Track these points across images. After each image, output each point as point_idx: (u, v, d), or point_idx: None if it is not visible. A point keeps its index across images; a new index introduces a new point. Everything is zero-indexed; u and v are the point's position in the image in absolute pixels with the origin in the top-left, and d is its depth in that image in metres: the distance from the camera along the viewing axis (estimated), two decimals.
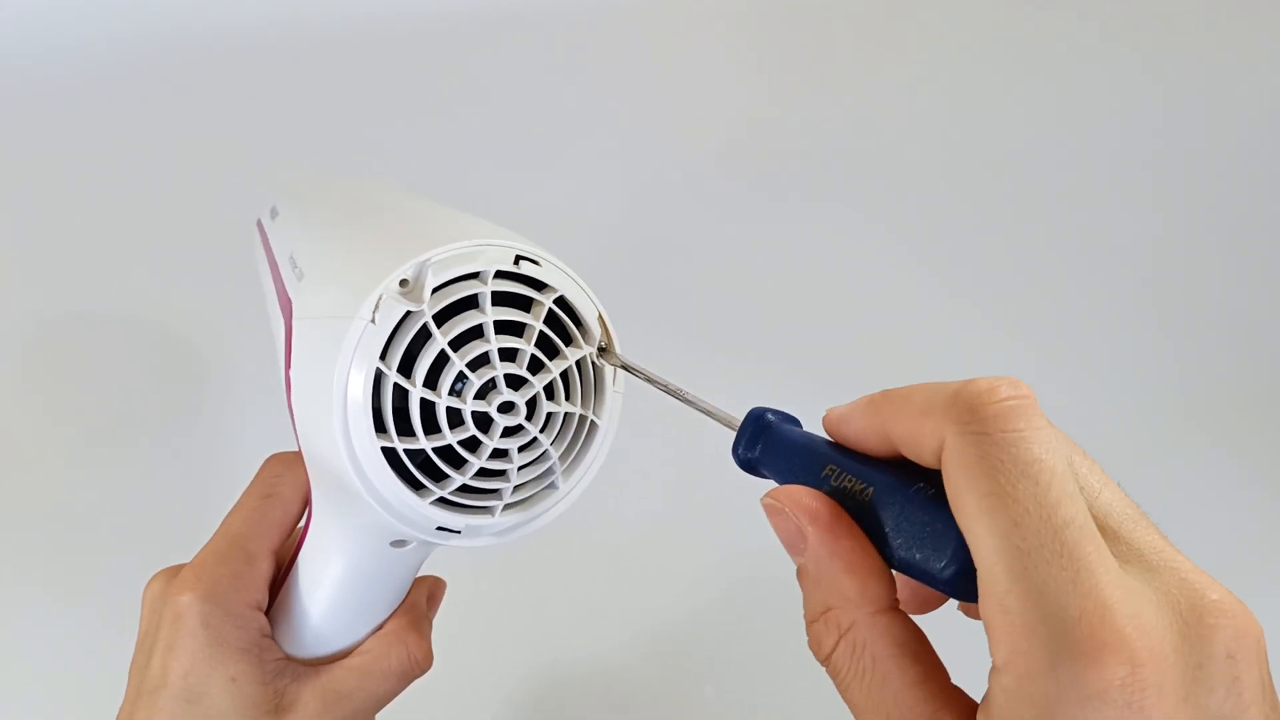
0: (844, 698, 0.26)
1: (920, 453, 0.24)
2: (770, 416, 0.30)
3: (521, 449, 0.33)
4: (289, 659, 0.38)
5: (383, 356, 0.31)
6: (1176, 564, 0.22)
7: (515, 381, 0.32)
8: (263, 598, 0.38)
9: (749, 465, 0.30)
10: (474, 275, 0.32)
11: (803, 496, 0.26)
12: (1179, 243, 0.88)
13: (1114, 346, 0.82)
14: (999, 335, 0.82)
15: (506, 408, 0.32)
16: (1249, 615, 0.22)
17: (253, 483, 0.40)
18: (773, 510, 0.26)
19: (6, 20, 0.75)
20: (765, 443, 0.29)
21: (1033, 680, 0.21)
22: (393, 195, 0.43)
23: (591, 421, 0.35)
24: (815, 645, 0.26)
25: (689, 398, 0.32)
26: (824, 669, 0.26)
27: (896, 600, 0.26)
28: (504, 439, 0.32)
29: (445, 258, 0.32)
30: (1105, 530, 0.23)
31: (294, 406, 0.34)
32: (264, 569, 0.38)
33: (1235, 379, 0.81)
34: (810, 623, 0.26)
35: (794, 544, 0.26)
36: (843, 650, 0.25)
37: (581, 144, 0.86)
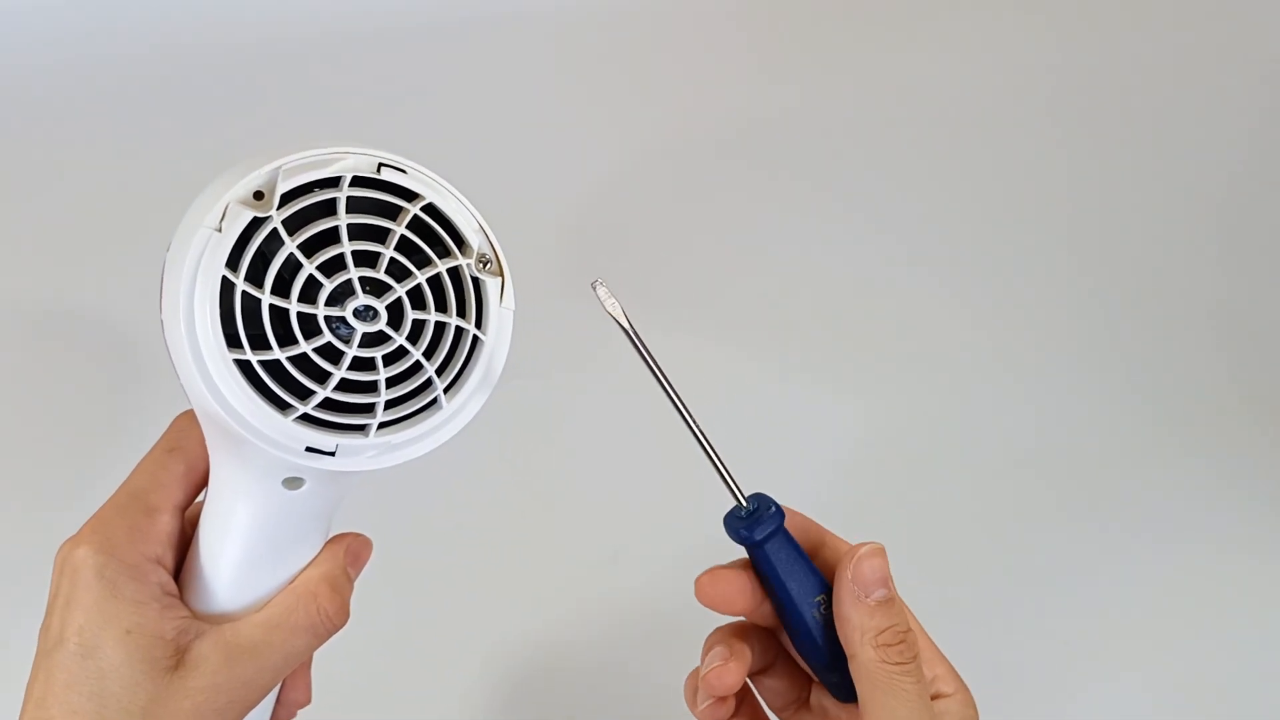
0: None
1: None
2: (775, 510, 0.37)
3: (389, 360, 0.31)
4: (196, 616, 0.37)
5: (234, 268, 0.30)
6: None
7: (377, 288, 0.31)
8: (164, 552, 0.37)
9: (747, 543, 0.37)
10: (333, 183, 0.31)
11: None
12: (1178, 241, 0.86)
13: (1108, 343, 0.80)
14: (988, 327, 0.80)
15: (365, 314, 0.30)
16: None
17: (160, 438, 0.39)
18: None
19: (6, 20, 0.77)
20: (775, 538, 0.36)
21: None
22: None
23: (475, 337, 0.33)
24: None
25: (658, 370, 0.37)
26: None
27: None
28: (367, 348, 0.31)
29: (299, 164, 0.31)
30: None
31: (168, 344, 0.32)
32: (165, 522, 0.37)
33: (1234, 380, 0.78)
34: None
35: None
36: None
37: (576, 138, 0.86)
